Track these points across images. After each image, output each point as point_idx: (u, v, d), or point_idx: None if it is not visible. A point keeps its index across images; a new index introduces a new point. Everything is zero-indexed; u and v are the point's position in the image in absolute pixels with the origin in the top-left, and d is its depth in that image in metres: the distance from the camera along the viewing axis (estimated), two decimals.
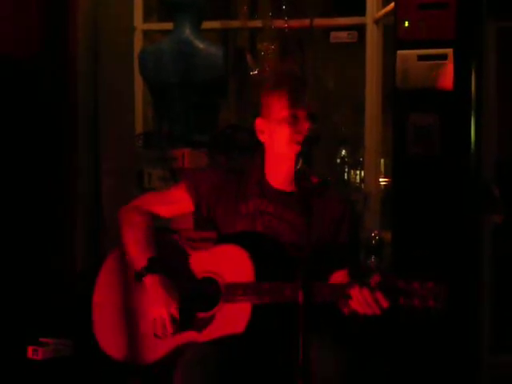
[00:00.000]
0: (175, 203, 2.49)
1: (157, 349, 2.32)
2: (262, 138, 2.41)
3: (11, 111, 3.68)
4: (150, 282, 2.32)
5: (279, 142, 2.35)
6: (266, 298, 2.20)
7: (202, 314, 2.29)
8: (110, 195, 3.80)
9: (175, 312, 2.28)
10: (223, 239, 2.39)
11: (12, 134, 3.68)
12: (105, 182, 3.82)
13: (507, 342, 3.44)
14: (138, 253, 2.37)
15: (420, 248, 3.11)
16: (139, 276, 2.33)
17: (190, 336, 2.29)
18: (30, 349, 3.44)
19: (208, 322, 2.27)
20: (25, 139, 3.72)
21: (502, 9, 3.24)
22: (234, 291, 2.24)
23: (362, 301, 2.08)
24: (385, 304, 2.07)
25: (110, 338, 2.41)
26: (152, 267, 2.32)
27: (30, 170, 3.72)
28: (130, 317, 2.40)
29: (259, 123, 2.41)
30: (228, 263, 2.29)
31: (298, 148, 2.28)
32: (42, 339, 3.51)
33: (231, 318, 2.24)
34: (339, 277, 2.26)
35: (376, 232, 3.64)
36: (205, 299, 2.30)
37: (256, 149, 2.52)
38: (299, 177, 2.17)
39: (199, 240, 2.47)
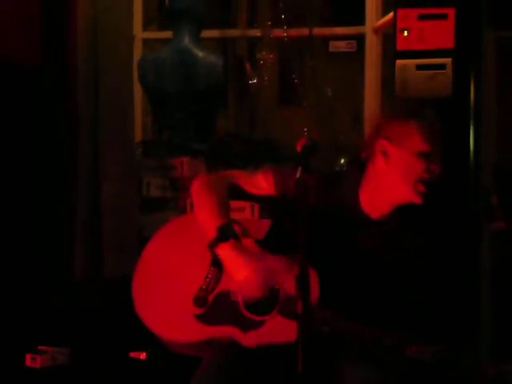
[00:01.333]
0: (259, 189, 2.33)
1: (192, 331, 2.17)
2: (382, 159, 2.27)
3: (10, 117, 3.68)
4: (224, 251, 2.14)
5: (406, 174, 2.24)
6: (325, 327, 2.08)
7: (251, 314, 2.16)
8: (109, 201, 3.77)
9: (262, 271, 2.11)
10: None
11: (13, 139, 3.68)
12: (105, 188, 3.79)
13: (507, 349, 3.44)
14: (209, 220, 2.20)
15: None
16: (211, 248, 2.16)
17: (231, 331, 2.15)
18: (28, 357, 3.43)
19: (255, 325, 2.15)
20: (25, 144, 3.72)
21: (502, 19, 3.26)
22: (293, 307, 2.03)
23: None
24: None
25: (148, 303, 2.24)
26: (222, 237, 2.15)
27: (29, 176, 3.72)
28: (174, 291, 2.23)
29: (387, 146, 2.26)
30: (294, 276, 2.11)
31: (420, 188, 2.24)
32: (40, 347, 3.49)
33: (280, 333, 2.10)
34: None
35: None
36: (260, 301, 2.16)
37: (253, 158, 2.47)
38: (299, 186, 1.98)
39: None
